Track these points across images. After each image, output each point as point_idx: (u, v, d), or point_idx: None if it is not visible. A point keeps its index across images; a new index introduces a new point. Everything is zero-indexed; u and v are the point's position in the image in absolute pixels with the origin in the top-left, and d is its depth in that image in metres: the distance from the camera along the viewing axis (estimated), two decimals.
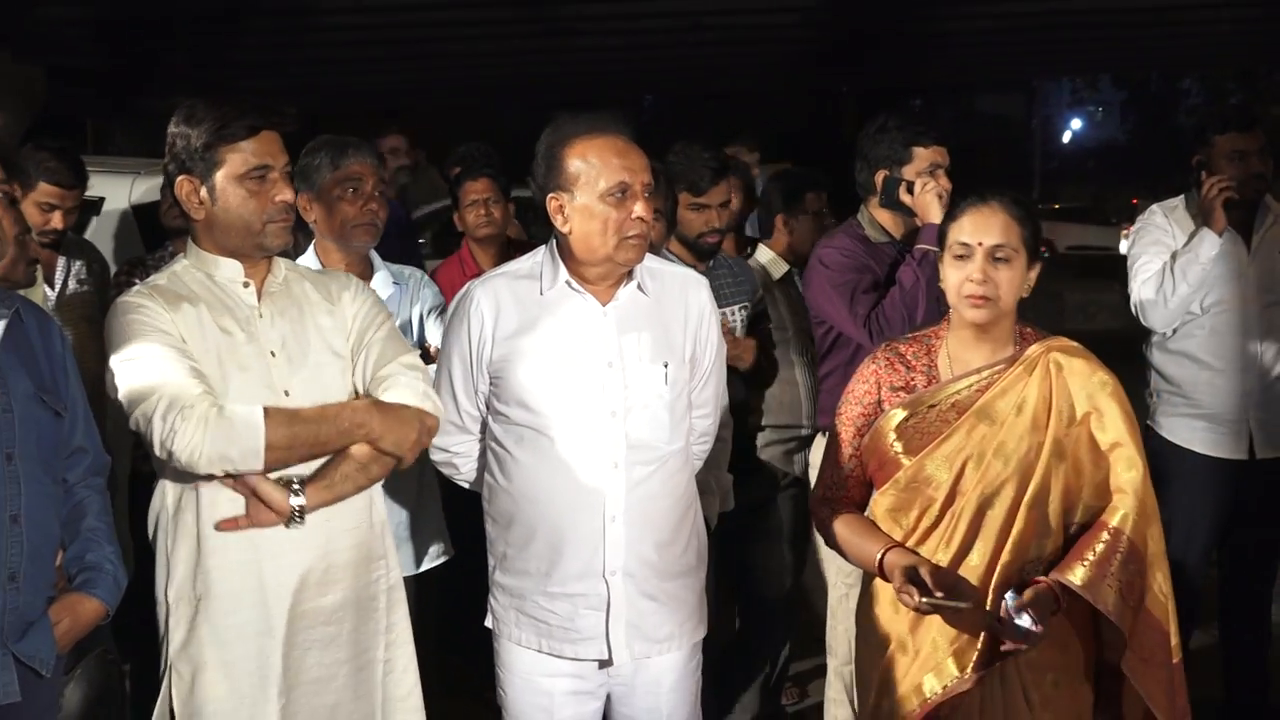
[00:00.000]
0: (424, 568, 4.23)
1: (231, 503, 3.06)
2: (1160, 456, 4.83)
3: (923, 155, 4.33)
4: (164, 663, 3.14)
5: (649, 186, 3.34)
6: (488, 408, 3.43)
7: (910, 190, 4.25)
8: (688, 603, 3.49)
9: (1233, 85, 35.56)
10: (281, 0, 13.77)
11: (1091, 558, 2.90)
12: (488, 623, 3.50)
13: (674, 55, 18.72)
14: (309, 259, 4.01)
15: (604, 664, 3.38)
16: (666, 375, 3.39)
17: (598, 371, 3.33)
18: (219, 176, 3.11)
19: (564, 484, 3.32)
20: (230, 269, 3.17)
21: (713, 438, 3.68)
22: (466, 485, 3.60)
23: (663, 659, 3.43)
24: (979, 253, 3.06)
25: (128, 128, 17.65)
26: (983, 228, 3.08)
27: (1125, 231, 20.84)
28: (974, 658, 2.96)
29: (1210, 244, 4.67)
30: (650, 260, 3.47)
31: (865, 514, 3.26)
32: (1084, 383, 3.02)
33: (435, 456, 3.56)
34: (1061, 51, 21.33)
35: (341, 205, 3.98)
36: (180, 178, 3.14)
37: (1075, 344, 3.14)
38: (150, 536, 3.20)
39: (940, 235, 3.21)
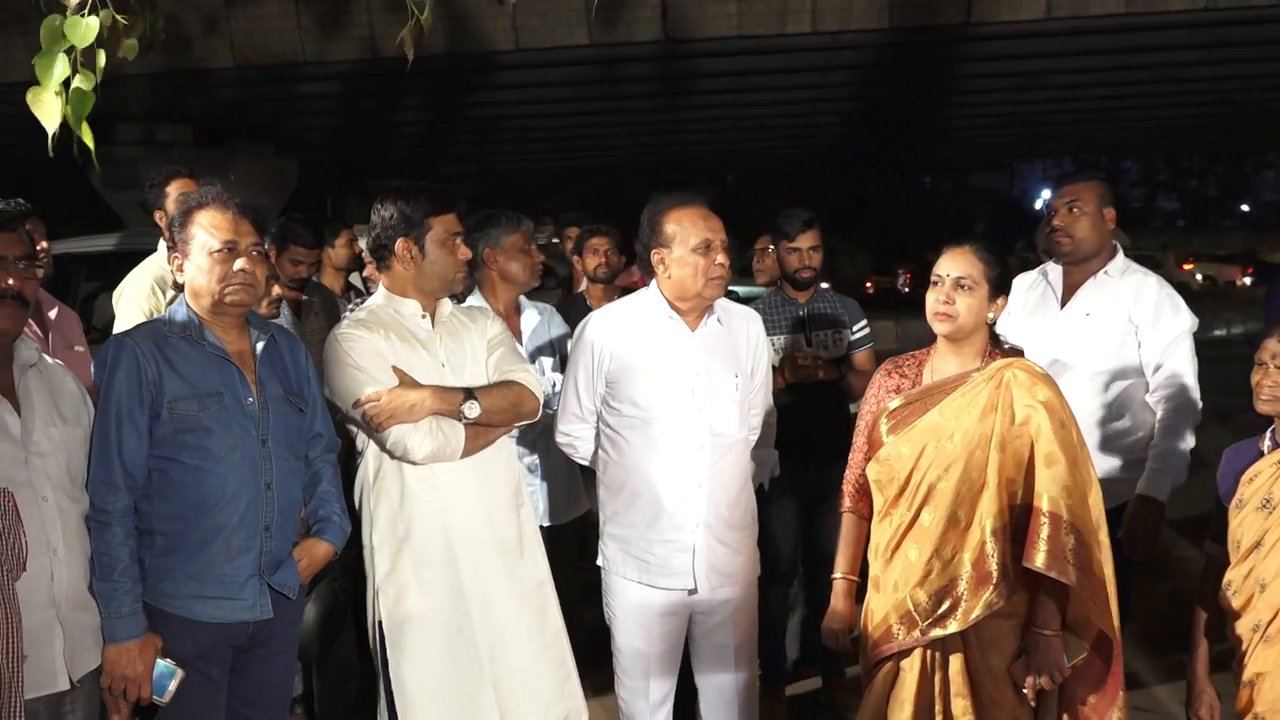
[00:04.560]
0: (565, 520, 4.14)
1: (416, 469, 3.07)
2: None
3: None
4: (370, 587, 3.13)
5: (725, 242, 3.33)
6: (603, 404, 3.38)
7: None
8: (747, 548, 3.43)
9: (1161, 165, 34.82)
10: (476, 110, 13.93)
11: (1042, 542, 2.72)
12: (599, 562, 3.44)
13: (747, 147, 18.70)
14: (475, 298, 3.97)
15: (690, 592, 3.33)
16: (736, 384, 3.36)
17: (688, 378, 3.30)
18: (428, 239, 3.14)
19: (663, 460, 3.29)
20: (412, 306, 3.19)
21: (759, 429, 3.59)
22: (584, 462, 3.55)
23: (731, 589, 3.37)
24: (946, 281, 2.94)
25: (358, 201, 18.05)
26: (951, 263, 2.96)
27: None
28: (925, 620, 2.84)
29: None
30: (722, 301, 3.44)
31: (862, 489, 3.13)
32: (1025, 395, 2.83)
33: (560, 440, 3.46)
34: (1033, 141, 21.01)
35: (522, 256, 3.95)
36: (399, 240, 3.14)
37: (1032, 364, 2.93)
38: (356, 500, 3.19)
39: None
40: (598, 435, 3.43)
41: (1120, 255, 3.82)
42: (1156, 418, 3.67)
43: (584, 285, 5.65)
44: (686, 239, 3.25)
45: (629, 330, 3.35)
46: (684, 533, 3.29)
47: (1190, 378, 3.66)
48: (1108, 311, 3.71)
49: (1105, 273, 3.77)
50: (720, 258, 3.27)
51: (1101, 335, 3.69)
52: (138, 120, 12.94)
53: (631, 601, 3.36)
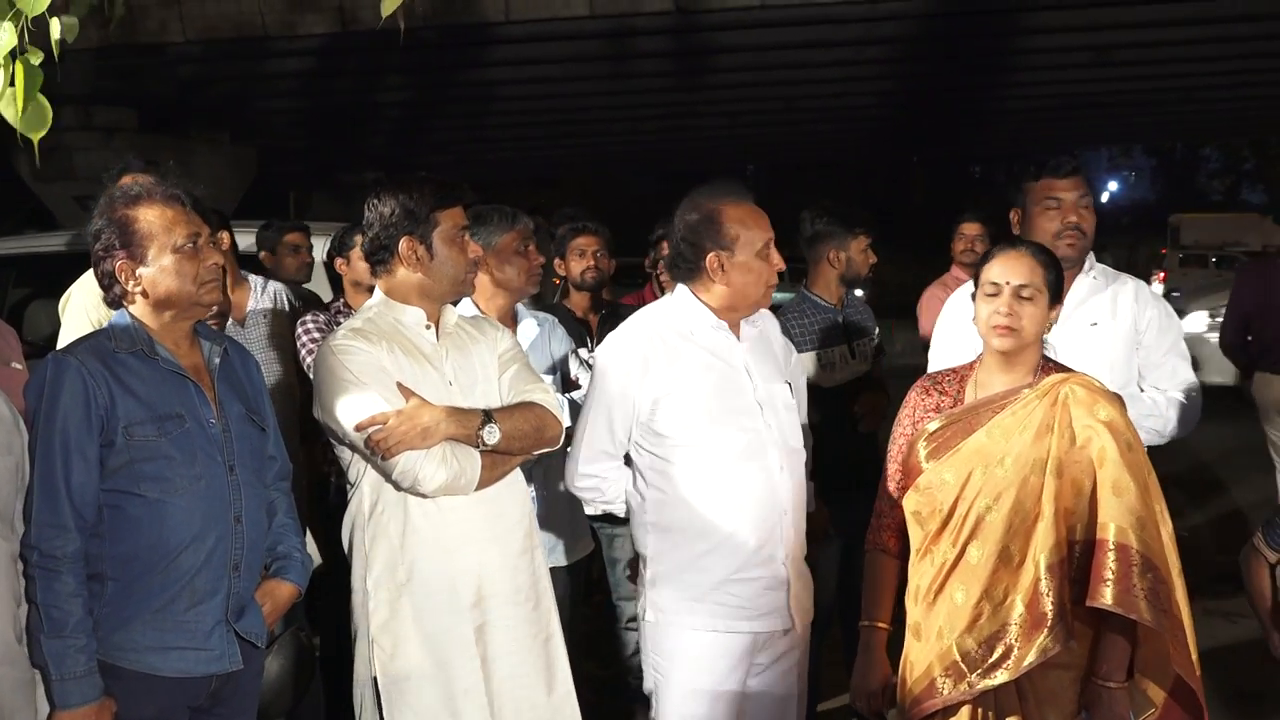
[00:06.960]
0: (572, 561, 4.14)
1: (421, 504, 3.07)
2: None
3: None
4: (363, 638, 3.10)
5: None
6: (645, 433, 3.29)
7: None
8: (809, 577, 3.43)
9: (1247, 152, 34.83)
10: (462, 90, 13.96)
11: (1109, 575, 2.72)
12: (649, 617, 3.32)
13: (771, 132, 18.72)
14: (465, 305, 3.95)
15: (785, 632, 3.29)
16: (791, 389, 3.38)
17: (747, 390, 3.28)
18: (435, 236, 3.11)
19: (742, 486, 3.23)
20: (415, 314, 3.18)
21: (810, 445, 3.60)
22: (608, 508, 3.48)
23: (803, 626, 3.37)
24: (1006, 290, 2.95)
25: (326, 197, 18.09)
26: (1010, 269, 2.97)
27: (1159, 278, 20.34)
28: (974, 671, 2.84)
29: None
30: None
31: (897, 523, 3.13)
32: (1085, 414, 2.84)
33: (582, 484, 3.38)
34: (1100, 125, 21.02)
35: (518, 259, 3.95)
36: (403, 239, 3.10)
37: (1091, 379, 2.93)
38: (347, 537, 3.18)
39: (975, 276, 3.11)
40: (633, 472, 3.35)
41: (1091, 256, 3.82)
42: (1167, 421, 3.70)
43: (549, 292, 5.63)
44: (751, 242, 3.23)
45: (672, 344, 3.27)
46: (774, 566, 3.25)
47: (1197, 387, 3.75)
48: (1113, 321, 3.71)
49: (1092, 277, 3.75)
50: (776, 259, 3.27)
51: (1111, 347, 3.67)
52: (72, 102, 12.99)
53: (696, 653, 3.24)
